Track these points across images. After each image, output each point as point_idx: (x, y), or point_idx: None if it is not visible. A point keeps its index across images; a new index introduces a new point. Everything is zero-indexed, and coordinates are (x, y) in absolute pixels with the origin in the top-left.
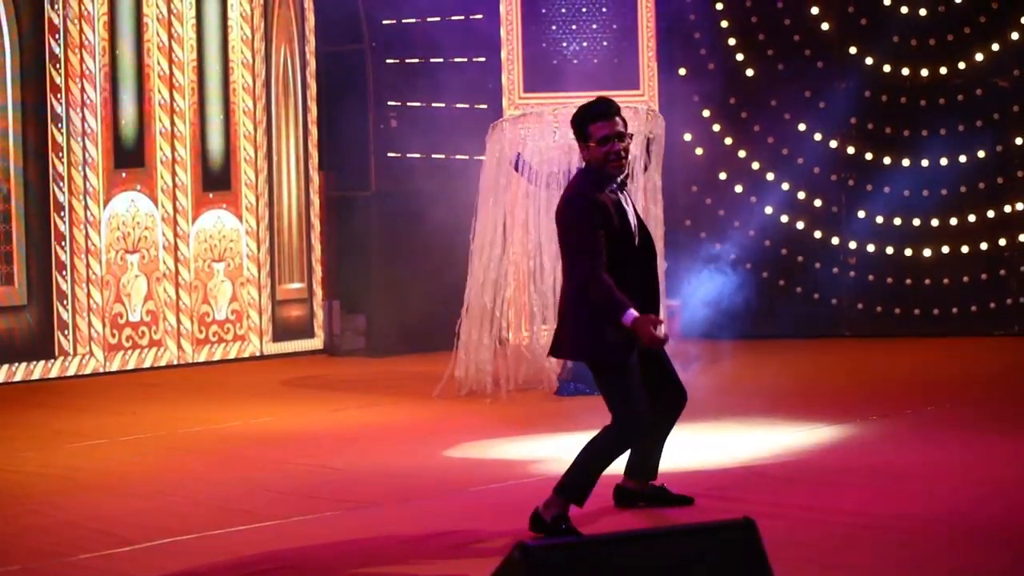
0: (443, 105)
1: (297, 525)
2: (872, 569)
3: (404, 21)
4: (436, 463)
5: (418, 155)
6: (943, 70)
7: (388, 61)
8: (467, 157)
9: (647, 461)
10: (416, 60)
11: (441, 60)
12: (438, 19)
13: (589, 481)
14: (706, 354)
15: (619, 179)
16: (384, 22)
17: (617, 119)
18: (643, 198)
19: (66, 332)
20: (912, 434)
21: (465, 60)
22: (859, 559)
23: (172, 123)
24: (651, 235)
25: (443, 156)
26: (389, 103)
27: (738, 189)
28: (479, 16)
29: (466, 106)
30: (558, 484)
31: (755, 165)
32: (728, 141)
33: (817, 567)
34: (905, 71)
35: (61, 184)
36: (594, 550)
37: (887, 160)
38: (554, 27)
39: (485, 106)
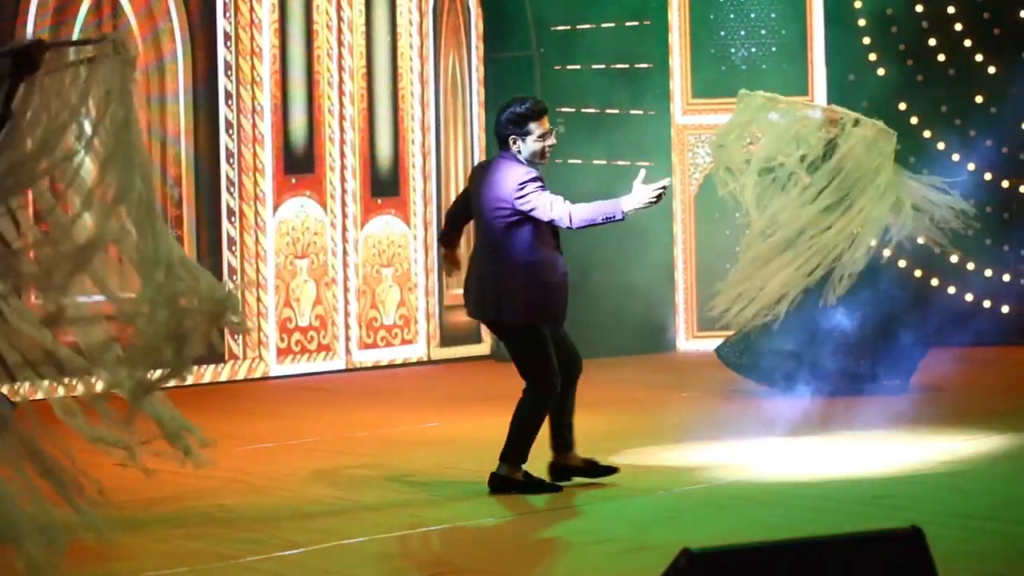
0: (611, 111)
1: (459, 530)
2: None
3: (572, 27)
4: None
5: (585, 160)
6: None
7: (556, 67)
8: (632, 162)
9: (564, 433)
10: (584, 66)
11: (609, 66)
12: (606, 25)
13: (527, 443)
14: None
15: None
16: (552, 28)
17: (547, 118)
18: None
19: (236, 336)
20: None
21: (633, 66)
22: None
23: (341, 129)
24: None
25: (611, 162)
26: (557, 109)
27: None
28: (648, 22)
29: (634, 112)
30: (503, 453)
31: (924, 172)
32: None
33: None
34: None
35: (232, 190)
36: (759, 557)
37: None
38: (723, 32)
39: (653, 112)
